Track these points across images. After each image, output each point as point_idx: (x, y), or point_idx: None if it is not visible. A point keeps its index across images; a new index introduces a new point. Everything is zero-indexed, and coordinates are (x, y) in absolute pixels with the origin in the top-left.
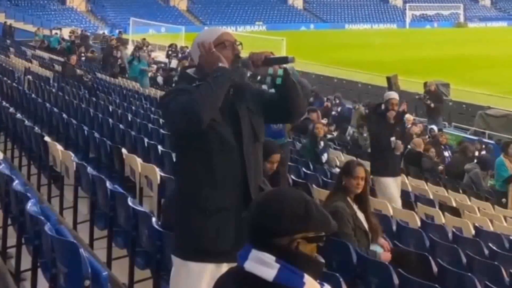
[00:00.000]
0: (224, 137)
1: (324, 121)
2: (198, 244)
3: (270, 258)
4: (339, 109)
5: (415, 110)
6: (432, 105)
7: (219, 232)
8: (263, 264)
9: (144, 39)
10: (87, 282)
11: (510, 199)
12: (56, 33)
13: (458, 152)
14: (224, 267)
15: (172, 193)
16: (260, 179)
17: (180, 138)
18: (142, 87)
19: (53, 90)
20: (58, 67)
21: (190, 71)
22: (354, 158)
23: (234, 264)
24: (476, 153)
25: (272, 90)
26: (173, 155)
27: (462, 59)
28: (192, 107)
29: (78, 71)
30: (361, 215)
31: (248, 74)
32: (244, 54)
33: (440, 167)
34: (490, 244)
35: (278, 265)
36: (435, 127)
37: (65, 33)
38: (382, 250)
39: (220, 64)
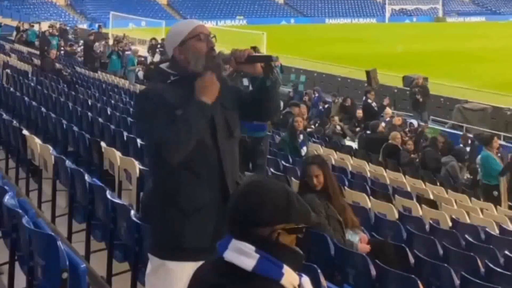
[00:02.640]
0: None
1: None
2: (176, 243)
3: (249, 248)
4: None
5: (394, 104)
6: (421, 99)
7: (197, 230)
8: (242, 254)
9: (124, 34)
10: (65, 275)
11: (503, 190)
12: (32, 26)
13: (429, 145)
14: None
15: (150, 191)
16: (237, 175)
17: None
18: (131, 84)
19: (32, 84)
20: (36, 61)
21: (164, 65)
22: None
23: None
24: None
25: (250, 88)
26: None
27: (441, 53)
28: (167, 148)
29: (57, 65)
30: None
31: (229, 72)
32: (219, 47)
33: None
34: (467, 236)
35: (257, 256)
36: (414, 122)
37: (44, 27)
38: (358, 237)
39: (203, 99)
